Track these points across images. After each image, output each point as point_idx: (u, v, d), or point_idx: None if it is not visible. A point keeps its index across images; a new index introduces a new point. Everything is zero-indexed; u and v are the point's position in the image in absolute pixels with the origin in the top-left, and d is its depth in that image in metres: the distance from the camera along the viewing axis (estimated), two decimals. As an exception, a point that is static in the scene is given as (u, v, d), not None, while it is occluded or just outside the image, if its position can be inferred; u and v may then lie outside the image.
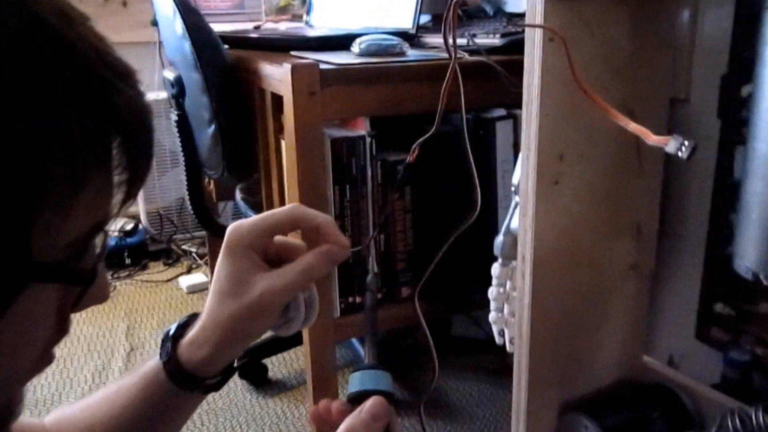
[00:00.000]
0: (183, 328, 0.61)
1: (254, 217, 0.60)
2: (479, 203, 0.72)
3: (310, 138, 1.12)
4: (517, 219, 0.79)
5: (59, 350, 1.56)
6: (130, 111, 0.42)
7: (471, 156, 0.78)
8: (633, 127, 0.55)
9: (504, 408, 1.70)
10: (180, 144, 1.60)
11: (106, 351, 2.01)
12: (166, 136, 2.65)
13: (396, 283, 1.29)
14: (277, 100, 1.25)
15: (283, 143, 1.31)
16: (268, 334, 0.62)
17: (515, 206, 0.81)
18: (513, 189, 0.81)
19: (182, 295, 2.37)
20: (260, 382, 1.80)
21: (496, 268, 0.82)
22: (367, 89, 1.13)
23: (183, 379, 0.58)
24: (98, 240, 0.44)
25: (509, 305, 0.82)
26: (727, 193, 1.28)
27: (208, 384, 0.61)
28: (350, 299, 1.26)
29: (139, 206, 2.75)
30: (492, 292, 0.83)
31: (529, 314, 0.67)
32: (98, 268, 0.44)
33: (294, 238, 0.65)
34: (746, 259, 0.49)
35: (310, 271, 0.58)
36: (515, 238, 0.79)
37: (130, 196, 0.44)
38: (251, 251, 0.58)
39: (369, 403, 0.53)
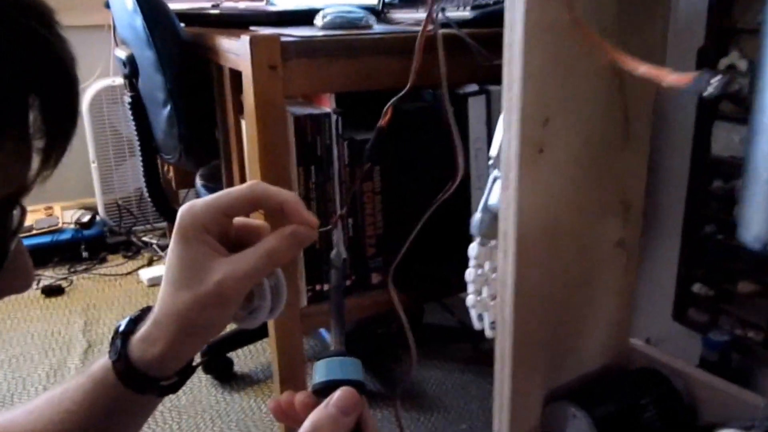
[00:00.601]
0: (135, 323, 0.54)
1: (209, 197, 0.53)
2: (461, 170, 0.66)
3: (271, 116, 1.05)
4: (496, 195, 0.73)
5: (10, 349, 1.46)
6: (49, 61, 0.35)
7: (454, 124, 0.72)
8: (646, 69, 0.50)
9: (479, 397, 1.65)
10: (134, 128, 1.51)
11: (62, 349, 1.91)
12: (123, 123, 2.54)
13: (366, 269, 1.23)
14: (236, 76, 1.17)
15: (243, 123, 1.23)
16: (233, 326, 0.56)
17: (493, 181, 0.75)
18: (490, 162, 0.75)
19: (143, 289, 2.27)
20: (225, 376, 1.72)
21: (473, 248, 0.76)
22: (333, 63, 1.07)
23: (135, 380, 0.52)
24: (14, 215, 0.38)
25: (488, 288, 0.76)
26: (706, 169, 1.24)
27: (164, 385, 0.54)
28: (317, 287, 1.19)
29: (96, 197, 2.64)
30: (469, 273, 0.77)
31: (513, 296, 0.61)
32: (11, 246, 0.37)
33: (256, 219, 0.58)
34: (754, 228, 0.44)
35: (275, 254, 0.51)
36: (494, 215, 0.74)
37: (51, 163, 0.38)
38: (207, 234, 0.51)
39: (337, 395, 0.47)
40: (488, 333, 0.76)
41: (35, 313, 2.12)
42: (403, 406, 1.62)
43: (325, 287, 1.20)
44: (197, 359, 0.59)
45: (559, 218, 0.63)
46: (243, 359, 1.81)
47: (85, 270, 2.41)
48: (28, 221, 2.53)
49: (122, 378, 0.52)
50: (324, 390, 0.48)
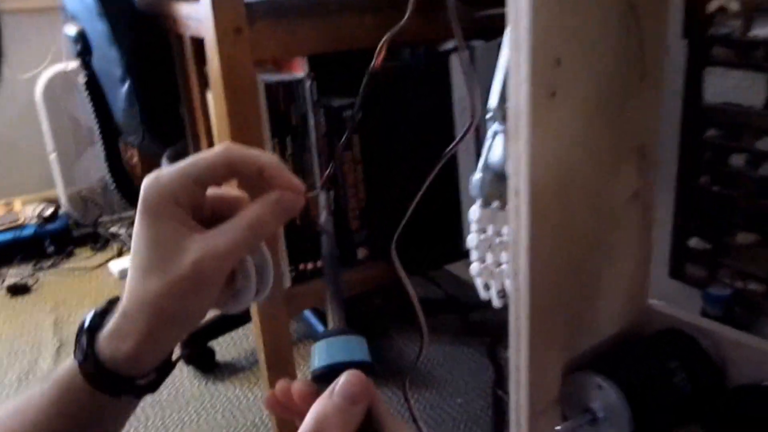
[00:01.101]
0: (102, 316, 0.46)
1: (176, 165, 0.45)
2: (476, 119, 0.59)
3: (240, 85, 0.97)
4: (498, 151, 0.67)
5: None
6: None
7: (470, 71, 0.64)
8: None
9: (472, 369, 1.61)
10: (92, 110, 1.41)
11: (32, 350, 1.82)
12: (81, 110, 2.42)
13: (351, 245, 1.16)
14: (199, 45, 1.08)
15: (209, 97, 1.15)
16: (213, 312, 0.49)
17: (494, 136, 0.68)
18: (489, 115, 0.68)
19: (114, 281, 2.18)
20: (208, 367, 1.65)
21: (474, 211, 0.69)
22: (303, 23, 0.98)
23: (106, 382, 0.45)
24: None
25: (493, 253, 0.70)
26: (698, 118, 1.19)
27: (141, 384, 0.46)
28: (301, 266, 1.12)
29: (58, 189, 2.52)
30: (472, 239, 0.71)
31: (528, 260, 0.55)
32: None
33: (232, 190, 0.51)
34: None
35: (259, 225, 0.44)
36: (496, 173, 0.67)
37: None
38: (177, 207, 0.44)
39: (341, 382, 0.39)
40: (496, 302, 0.70)
41: (2, 315, 2.01)
42: (394, 382, 1.56)
43: (309, 266, 1.13)
44: (177, 352, 0.51)
45: (573, 170, 0.56)
46: (225, 347, 1.74)
47: (52, 266, 2.30)
48: (-13, 219, 2.41)
49: (92, 381, 0.45)
50: (326, 376, 0.41)
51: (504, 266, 0.70)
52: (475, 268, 0.71)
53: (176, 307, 0.44)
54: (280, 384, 0.43)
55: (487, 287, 0.70)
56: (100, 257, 2.37)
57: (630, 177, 0.62)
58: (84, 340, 0.46)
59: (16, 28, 2.45)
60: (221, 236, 0.43)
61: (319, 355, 0.42)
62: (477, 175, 0.68)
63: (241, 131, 0.98)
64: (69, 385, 0.46)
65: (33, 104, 2.42)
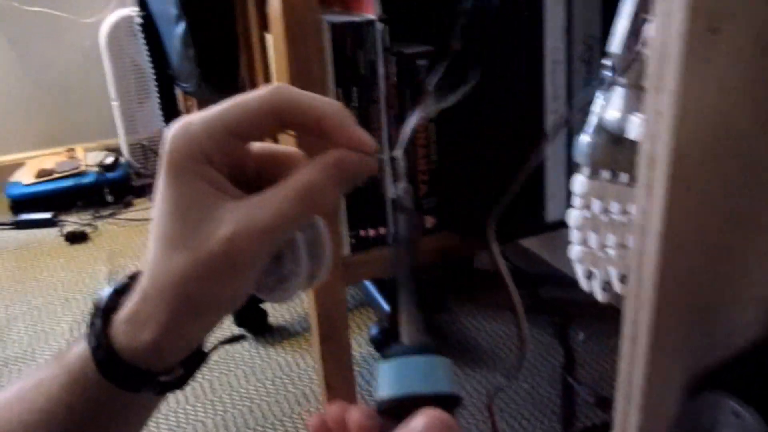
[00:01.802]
0: (120, 294, 0.38)
1: (211, 110, 0.35)
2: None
3: (303, 25, 0.85)
4: (617, 108, 0.53)
5: (33, 299, 1.28)
6: None
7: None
8: None
9: (540, 351, 1.48)
10: (147, 54, 1.33)
11: (86, 299, 1.79)
12: (145, 58, 2.36)
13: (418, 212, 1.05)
14: (259, -20, 0.97)
15: (269, 39, 1.04)
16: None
17: (610, 89, 0.54)
18: (609, 63, 0.54)
19: (170, 234, 2.13)
20: (259, 329, 1.58)
21: (580, 183, 0.57)
22: (377, -46, 0.86)
23: (121, 373, 0.36)
24: None
25: (598, 234, 0.57)
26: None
27: (163, 381, 0.38)
28: (362, 233, 1.01)
29: (120, 137, 2.48)
30: (575, 217, 0.58)
31: (660, 248, 0.42)
32: None
33: (282, 145, 0.40)
34: None
35: (314, 194, 0.34)
36: (611, 136, 0.54)
37: None
38: (209, 167, 0.34)
39: (421, 427, 0.28)
40: (600, 296, 0.57)
41: (58, 262, 2.00)
42: (455, 361, 1.46)
43: (371, 233, 1.02)
44: (212, 341, 0.42)
45: (730, 131, 0.43)
46: (278, 309, 1.66)
47: (110, 215, 2.28)
48: (50, 164, 2.40)
49: (105, 371, 0.36)
50: (396, 409, 0.30)
51: (611, 251, 0.57)
52: (576, 252, 0.58)
53: (204, 292, 0.34)
54: (334, 408, 0.32)
55: (589, 276, 0.57)
56: (157, 209, 2.33)
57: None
58: (98, 322, 0.37)
59: (81, -30, 2.40)
60: (264, 206, 0.33)
61: (388, 379, 0.31)
62: (586, 138, 0.55)
63: (301, 77, 0.87)
64: (80, 374, 0.37)
65: (97, 49, 2.37)
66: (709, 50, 0.39)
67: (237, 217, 0.33)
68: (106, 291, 0.39)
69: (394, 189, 0.37)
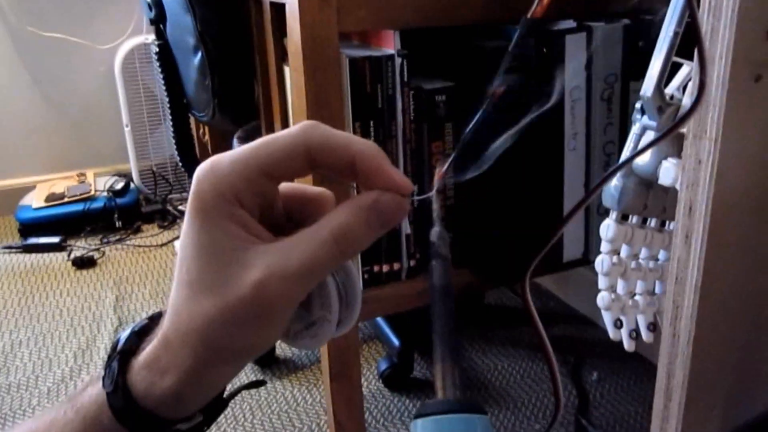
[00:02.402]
0: (140, 336, 0.36)
1: (242, 149, 0.34)
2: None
3: (322, 58, 0.85)
4: (647, 152, 0.52)
5: (38, 325, 1.26)
6: None
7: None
8: None
9: (552, 390, 1.45)
10: (163, 81, 1.33)
11: (91, 326, 1.77)
12: (158, 84, 2.37)
13: (433, 247, 1.03)
14: (279, 13, 0.97)
15: (286, 71, 1.03)
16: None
17: (643, 131, 0.53)
18: (638, 106, 0.53)
19: (178, 261, 2.12)
20: (267, 361, 1.55)
21: (609, 228, 0.55)
22: (399, -10, 0.85)
23: (138, 421, 0.34)
24: None
25: (625, 281, 0.55)
26: None
27: (181, 429, 0.36)
28: (375, 268, 1.00)
29: (131, 163, 2.48)
30: (602, 262, 0.56)
31: (696, 301, 0.40)
32: None
33: (310, 185, 0.39)
34: None
35: (347, 238, 0.32)
36: (641, 182, 0.53)
37: None
38: (238, 208, 0.33)
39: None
40: (628, 345, 0.55)
41: (65, 287, 1.99)
42: (466, 391, 1.43)
43: (384, 269, 1.00)
44: (231, 386, 0.40)
45: (771, 183, 0.41)
46: (285, 342, 1.64)
47: (118, 240, 2.27)
48: (60, 188, 2.40)
49: (121, 418, 0.34)
50: None
51: (639, 297, 0.55)
52: (603, 299, 0.56)
53: (231, 339, 0.33)
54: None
55: (618, 324, 0.55)
56: (166, 235, 2.32)
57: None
58: (115, 365, 0.35)
59: (98, -1, 2.43)
60: (296, 250, 0.31)
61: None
62: (615, 183, 0.54)
63: (320, 111, 0.86)
64: (95, 419, 0.36)
65: (112, 76, 2.39)
66: (752, 98, 0.38)
67: (268, 260, 0.31)
68: (124, 332, 0.37)
69: (432, 233, 0.36)
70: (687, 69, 0.51)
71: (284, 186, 0.37)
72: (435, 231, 0.36)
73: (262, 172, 0.33)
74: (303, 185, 0.38)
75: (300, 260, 0.31)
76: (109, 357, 0.36)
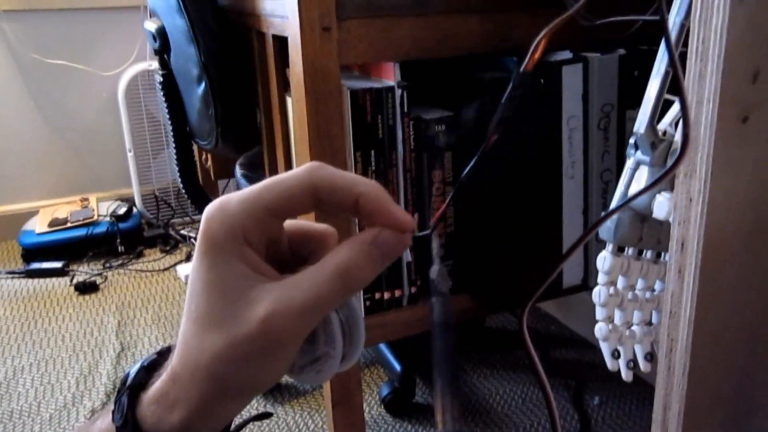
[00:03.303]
0: (149, 371, 0.37)
1: (248, 189, 0.35)
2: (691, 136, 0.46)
3: (324, 89, 0.86)
4: (642, 185, 0.53)
5: (40, 351, 1.27)
6: None
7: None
8: None
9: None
10: (167, 110, 1.35)
11: (93, 352, 1.77)
12: (161, 110, 2.40)
13: (434, 274, 1.04)
14: (282, 44, 0.99)
15: (289, 101, 1.05)
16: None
17: (636, 166, 0.55)
18: (632, 142, 0.55)
19: (180, 286, 2.12)
20: (270, 388, 1.55)
21: (605, 260, 0.56)
22: (400, 24, 0.87)
23: None
24: None
25: (622, 312, 0.56)
26: None
27: None
28: (377, 295, 1.01)
29: (133, 187, 2.50)
30: (599, 294, 0.57)
31: (690, 334, 0.41)
32: None
33: (313, 221, 0.40)
34: None
35: (351, 274, 0.33)
36: (636, 215, 0.54)
37: None
38: (246, 246, 0.34)
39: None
40: (626, 375, 0.56)
41: (68, 312, 1.99)
42: (466, 423, 1.43)
43: (386, 296, 1.01)
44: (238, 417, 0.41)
45: (762, 216, 0.42)
46: (287, 367, 1.64)
47: (121, 265, 2.28)
48: (63, 213, 2.42)
49: None
50: None
51: (636, 328, 0.56)
52: (601, 330, 0.57)
53: (238, 375, 0.34)
54: None
55: (615, 354, 0.56)
56: (168, 260, 2.33)
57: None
58: (125, 400, 0.36)
59: (101, 26, 2.47)
60: (301, 287, 0.33)
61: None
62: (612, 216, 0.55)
63: (321, 141, 0.87)
64: None
65: (115, 102, 2.42)
66: (740, 139, 0.39)
67: (274, 297, 0.32)
68: (134, 367, 0.38)
69: (432, 271, 0.37)
70: (679, 106, 0.52)
71: (289, 223, 0.38)
72: (434, 269, 0.37)
73: (269, 212, 0.34)
74: (308, 222, 0.39)
75: (304, 297, 0.32)
76: (119, 391, 0.37)
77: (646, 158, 0.52)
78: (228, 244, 0.34)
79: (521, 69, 0.37)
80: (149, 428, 0.35)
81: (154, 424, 0.35)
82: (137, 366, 0.38)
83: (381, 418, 1.44)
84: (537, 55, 0.38)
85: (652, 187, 0.35)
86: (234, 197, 0.35)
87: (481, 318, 1.73)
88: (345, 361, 0.38)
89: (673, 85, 0.52)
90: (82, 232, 2.33)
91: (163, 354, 0.38)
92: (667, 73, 0.50)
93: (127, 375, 0.37)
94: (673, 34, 0.52)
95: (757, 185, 0.41)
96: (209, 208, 0.35)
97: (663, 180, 0.45)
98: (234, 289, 0.33)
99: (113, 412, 0.37)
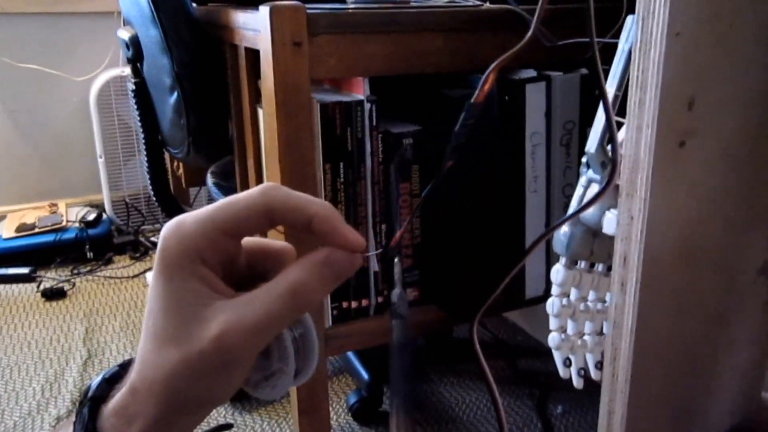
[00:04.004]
0: (110, 383, 0.38)
1: (205, 209, 0.36)
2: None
3: (294, 102, 0.88)
4: (595, 206, 0.56)
5: (5, 358, 1.25)
6: None
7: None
8: None
9: (519, 423, 1.48)
10: (138, 119, 1.35)
11: (59, 358, 1.76)
12: (132, 116, 2.39)
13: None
14: (254, 57, 1.01)
15: (260, 113, 1.07)
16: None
17: (588, 184, 0.58)
18: (584, 160, 0.58)
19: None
20: (237, 395, 1.55)
21: (558, 272, 0.59)
22: (369, 41, 0.90)
23: None
24: None
25: (575, 323, 0.59)
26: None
27: None
28: (344, 304, 1.02)
29: (103, 194, 2.48)
30: (552, 305, 0.60)
31: (632, 342, 0.44)
32: None
33: (274, 239, 0.42)
34: None
35: (303, 292, 0.35)
36: (588, 229, 0.57)
37: None
38: (201, 266, 0.35)
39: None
40: (577, 383, 0.59)
41: (34, 318, 1.97)
42: (434, 430, 1.45)
43: (353, 305, 1.03)
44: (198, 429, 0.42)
45: (698, 235, 0.45)
46: (256, 375, 1.64)
47: (89, 272, 2.26)
48: (31, 218, 2.39)
49: None
50: None
51: (588, 338, 0.59)
52: (554, 339, 0.60)
53: (193, 390, 0.35)
54: None
55: (567, 363, 0.59)
56: (138, 267, 2.31)
57: (760, 247, 0.51)
58: (86, 411, 0.37)
59: (74, 31, 2.45)
60: (254, 305, 0.34)
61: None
62: (564, 230, 0.58)
63: (291, 153, 0.89)
64: None
65: (87, 107, 2.41)
66: (678, 162, 0.42)
67: (227, 316, 0.34)
68: (96, 379, 0.39)
69: (393, 294, 0.39)
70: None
71: (248, 240, 0.39)
72: (395, 292, 0.39)
73: (224, 232, 0.36)
74: (266, 240, 0.41)
75: (256, 315, 0.34)
76: (80, 403, 0.38)
77: (597, 177, 0.55)
78: (183, 263, 0.35)
79: (472, 101, 0.39)
80: None
81: None
82: (99, 378, 0.39)
83: (348, 426, 1.46)
84: (487, 87, 0.40)
85: (589, 205, 0.38)
86: (189, 217, 0.36)
87: (449, 328, 1.75)
88: (299, 377, 0.39)
89: (622, 108, 0.55)
90: (50, 237, 2.31)
91: (125, 367, 0.39)
92: (615, 97, 0.53)
93: (89, 387, 0.38)
94: (623, 59, 0.55)
95: (694, 205, 0.44)
96: (166, 228, 0.36)
97: (598, 199, 0.48)
98: (189, 306, 0.35)
99: (74, 423, 0.38)
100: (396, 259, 0.39)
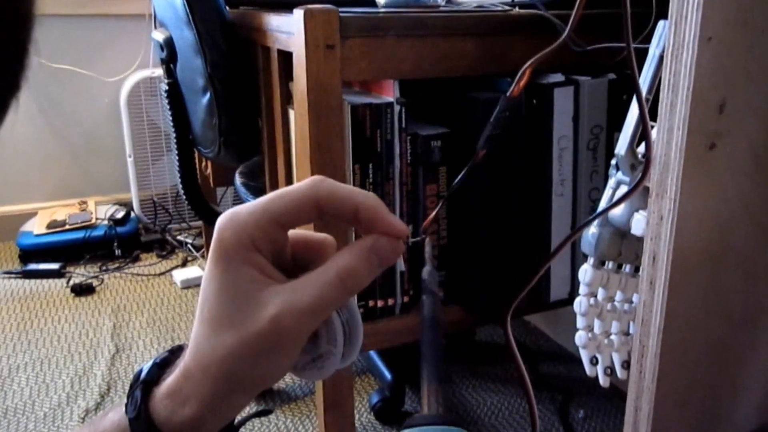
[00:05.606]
0: (161, 367, 0.40)
1: (257, 201, 0.38)
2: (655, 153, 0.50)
3: (326, 104, 0.90)
4: (622, 204, 0.57)
5: (35, 351, 1.29)
6: None
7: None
8: None
9: (541, 428, 1.48)
10: (170, 118, 1.38)
11: (88, 353, 1.80)
12: (161, 117, 2.44)
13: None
14: (286, 59, 1.03)
15: (291, 114, 1.09)
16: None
17: (617, 186, 0.59)
18: (614, 162, 0.59)
19: (176, 291, 2.15)
20: (263, 392, 1.58)
21: (586, 272, 0.60)
22: (400, 44, 0.91)
23: None
24: None
25: (602, 323, 0.60)
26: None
27: None
28: (370, 303, 1.04)
29: (132, 192, 2.53)
30: (580, 304, 0.61)
31: (659, 342, 0.45)
32: None
33: (315, 231, 0.44)
34: None
35: (351, 277, 0.37)
36: (616, 231, 0.58)
37: None
38: (256, 253, 0.37)
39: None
40: (602, 381, 0.60)
41: (63, 313, 2.02)
42: (449, 409, 1.45)
43: (379, 303, 1.04)
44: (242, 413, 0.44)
45: (728, 237, 0.46)
46: (280, 373, 1.66)
47: (117, 269, 2.30)
48: (61, 215, 2.45)
49: None
50: None
51: (614, 337, 0.59)
52: (581, 338, 0.61)
53: (248, 370, 0.37)
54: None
55: (593, 361, 0.60)
56: (164, 264, 2.35)
57: (787, 250, 0.52)
58: (138, 393, 0.39)
59: (106, 33, 2.51)
60: (307, 289, 0.36)
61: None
62: (592, 231, 0.59)
63: (322, 153, 0.91)
64: None
65: (117, 107, 2.46)
66: (707, 164, 0.43)
67: (282, 299, 0.36)
68: (147, 364, 0.41)
69: (424, 271, 0.41)
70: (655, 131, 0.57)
71: (292, 232, 0.41)
72: (426, 270, 0.41)
73: (277, 222, 0.38)
74: (308, 232, 0.43)
75: (311, 297, 0.36)
76: (132, 386, 0.40)
77: (626, 178, 0.56)
78: (239, 252, 0.37)
79: (508, 94, 0.41)
80: (161, 421, 0.37)
81: (166, 417, 0.37)
82: (150, 363, 0.41)
83: (370, 425, 1.47)
84: (523, 83, 0.41)
85: (619, 203, 0.39)
86: (244, 208, 0.38)
87: (471, 330, 1.76)
88: (345, 359, 0.41)
89: (653, 111, 0.56)
90: (79, 234, 2.36)
91: (175, 352, 0.40)
92: (646, 100, 0.54)
93: (140, 371, 0.40)
94: (653, 64, 0.56)
95: (723, 207, 0.45)
96: (221, 219, 0.38)
97: (628, 197, 0.49)
98: (245, 291, 0.37)
99: (126, 405, 0.39)
100: (426, 239, 0.41)
